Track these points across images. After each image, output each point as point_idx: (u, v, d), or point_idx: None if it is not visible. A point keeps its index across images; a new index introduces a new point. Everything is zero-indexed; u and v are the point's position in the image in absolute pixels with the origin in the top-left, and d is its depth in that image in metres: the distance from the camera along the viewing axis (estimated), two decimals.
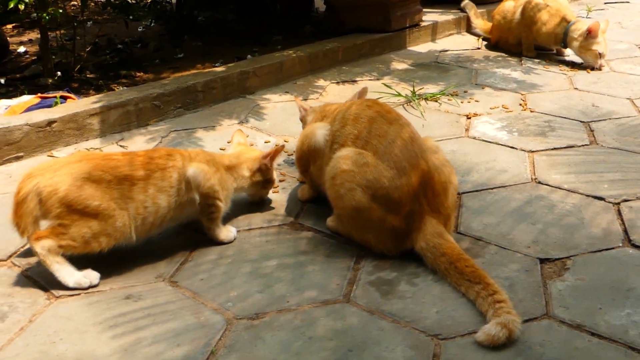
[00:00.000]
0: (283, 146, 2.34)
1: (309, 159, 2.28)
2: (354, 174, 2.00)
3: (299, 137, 2.36)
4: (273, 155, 2.28)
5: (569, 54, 4.26)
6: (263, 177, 2.30)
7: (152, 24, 4.99)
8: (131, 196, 1.94)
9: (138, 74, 3.86)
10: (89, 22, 5.02)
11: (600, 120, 3.15)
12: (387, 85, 3.60)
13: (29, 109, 3.00)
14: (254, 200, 2.40)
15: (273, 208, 2.39)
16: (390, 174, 1.98)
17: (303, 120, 2.49)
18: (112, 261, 1.97)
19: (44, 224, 1.91)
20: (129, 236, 1.95)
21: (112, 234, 1.91)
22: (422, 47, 4.61)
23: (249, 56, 4.11)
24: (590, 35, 3.93)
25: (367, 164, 2.00)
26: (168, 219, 2.04)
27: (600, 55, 3.99)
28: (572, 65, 4.13)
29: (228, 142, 2.85)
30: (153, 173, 1.99)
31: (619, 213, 2.29)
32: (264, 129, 3.11)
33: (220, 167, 2.17)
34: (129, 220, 1.93)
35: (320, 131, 2.22)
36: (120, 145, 2.91)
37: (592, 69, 4.03)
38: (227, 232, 2.16)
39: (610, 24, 5.11)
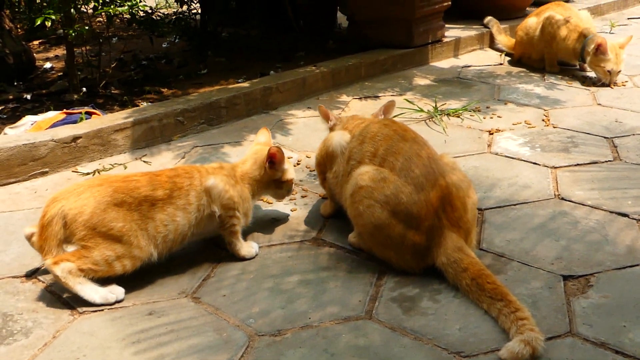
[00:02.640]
0: (278, 148, 2.25)
1: (326, 164, 2.31)
2: (372, 190, 2.01)
3: (318, 149, 2.38)
4: (270, 157, 2.23)
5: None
6: (270, 178, 2.27)
7: (177, 40, 5.05)
8: (151, 216, 1.96)
9: (162, 89, 3.90)
10: (114, 38, 5.10)
11: (623, 136, 3.13)
12: (409, 101, 3.60)
13: (55, 124, 3.04)
14: (280, 200, 2.42)
15: (295, 224, 2.40)
16: (409, 190, 1.98)
17: (331, 130, 2.48)
18: (134, 277, 1.98)
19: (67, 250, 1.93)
20: (151, 256, 1.97)
21: (137, 256, 1.93)
22: (445, 63, 4.61)
23: (272, 72, 4.14)
24: (599, 51, 3.89)
25: (385, 179, 2.01)
26: (189, 235, 2.06)
27: (610, 73, 3.94)
28: (596, 81, 4.10)
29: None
30: (172, 192, 2.01)
31: None
32: (286, 145, 3.12)
33: (237, 180, 2.19)
34: (149, 240, 1.95)
35: (337, 137, 2.25)
36: (144, 161, 2.94)
37: (604, 85, 3.99)
38: (248, 247, 2.17)
39: (633, 39, 5.09)
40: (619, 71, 4.00)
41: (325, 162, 2.31)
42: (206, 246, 2.22)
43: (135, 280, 1.99)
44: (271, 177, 2.27)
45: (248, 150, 2.37)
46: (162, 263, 2.04)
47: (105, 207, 1.89)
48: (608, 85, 4.00)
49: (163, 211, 1.98)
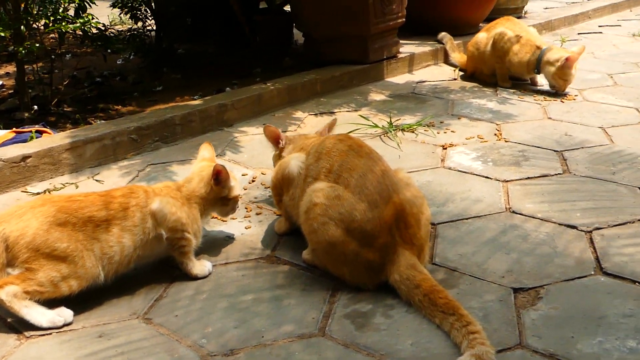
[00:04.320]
0: (223, 166, 2.22)
1: (283, 188, 2.31)
2: (326, 208, 2.01)
3: (274, 171, 2.38)
4: (214, 176, 2.21)
5: (543, 84, 4.33)
6: (216, 196, 2.24)
7: (132, 57, 5.01)
8: (96, 236, 1.93)
9: (116, 107, 3.87)
10: (67, 55, 5.04)
11: (573, 149, 3.20)
12: (364, 117, 3.63)
13: (4, 144, 2.99)
14: (226, 217, 2.40)
15: (250, 241, 2.39)
16: (363, 207, 1.99)
17: (281, 150, 2.49)
18: (84, 298, 1.95)
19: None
20: (97, 277, 1.94)
21: (82, 276, 1.90)
22: (400, 78, 4.66)
23: (228, 89, 4.13)
24: (566, 65, 4.01)
25: (340, 197, 2.02)
26: (135, 257, 2.03)
27: (568, 83, 4.12)
28: (546, 95, 4.19)
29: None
30: (117, 213, 1.98)
31: (591, 241, 2.32)
32: (241, 162, 3.12)
33: (185, 199, 2.16)
34: (95, 261, 1.92)
35: (295, 161, 2.26)
36: (97, 180, 2.90)
37: (557, 93, 4.14)
38: (201, 266, 2.16)
39: (583, 54, 5.22)
40: (572, 82, 4.15)
41: (282, 185, 2.30)
42: (159, 266, 2.20)
43: (85, 302, 1.96)
44: (218, 194, 2.25)
45: (193, 167, 2.33)
46: (113, 284, 2.01)
47: (48, 228, 1.86)
48: (563, 94, 4.12)
49: (108, 232, 1.95)
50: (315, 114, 3.83)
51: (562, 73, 4.06)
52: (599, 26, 6.76)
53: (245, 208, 2.64)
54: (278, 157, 2.48)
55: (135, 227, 2.00)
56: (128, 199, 2.03)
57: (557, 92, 4.15)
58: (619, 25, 6.80)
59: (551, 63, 4.08)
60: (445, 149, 3.24)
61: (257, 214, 2.60)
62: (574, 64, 4.02)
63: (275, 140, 2.50)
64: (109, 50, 4.02)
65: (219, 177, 2.23)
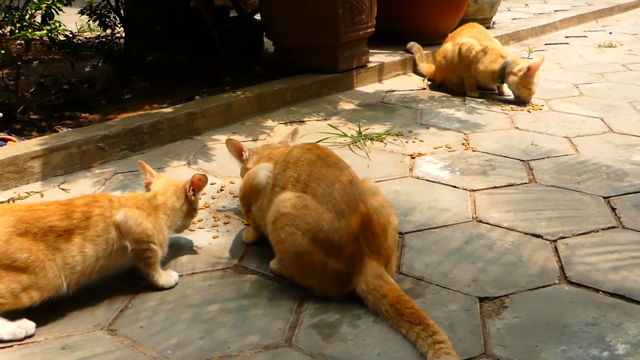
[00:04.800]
0: (204, 175, 2.27)
1: (251, 198, 2.30)
2: (293, 217, 2.01)
3: (243, 180, 2.37)
4: (195, 184, 2.26)
5: (510, 94, 4.38)
6: (189, 207, 2.28)
7: (100, 64, 4.96)
8: (58, 246, 1.90)
9: (84, 115, 3.82)
10: (34, 62, 4.97)
11: (539, 159, 3.24)
12: (333, 126, 3.64)
13: None
14: (179, 232, 2.37)
15: (217, 251, 2.38)
16: (330, 217, 1.99)
17: (246, 162, 2.50)
18: (47, 310, 1.92)
19: None
20: (60, 288, 1.91)
21: (44, 287, 1.87)
22: (370, 88, 4.69)
23: (197, 97, 4.11)
24: (528, 74, 4.07)
25: (307, 206, 2.01)
26: (98, 268, 2.00)
27: (532, 92, 4.20)
28: (514, 104, 4.24)
29: None
30: (80, 222, 1.96)
31: (556, 250, 2.34)
32: (210, 170, 3.10)
33: (152, 210, 2.15)
34: (58, 272, 1.90)
35: (263, 171, 2.25)
36: (62, 189, 2.87)
37: (523, 103, 4.21)
38: (167, 276, 2.14)
39: (549, 64, 5.31)
40: (536, 91, 4.22)
41: (251, 195, 2.29)
42: (124, 276, 2.17)
43: (48, 313, 1.93)
44: (191, 204, 2.26)
45: (160, 183, 2.31)
46: (77, 295, 1.99)
47: (7, 238, 1.82)
48: (528, 103, 4.20)
49: (70, 242, 1.93)
50: (285, 123, 3.82)
51: (525, 82, 4.13)
52: (566, 37, 6.87)
53: (214, 217, 2.63)
54: (244, 169, 2.48)
55: (98, 237, 1.98)
56: (91, 208, 2.00)
57: (523, 102, 4.21)
58: (585, 36, 6.92)
59: (514, 73, 4.15)
60: (414, 158, 3.26)
61: (225, 223, 2.59)
62: (535, 72, 4.10)
63: (238, 153, 2.52)
64: (76, 58, 3.97)
65: (195, 188, 2.27)
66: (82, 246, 1.94)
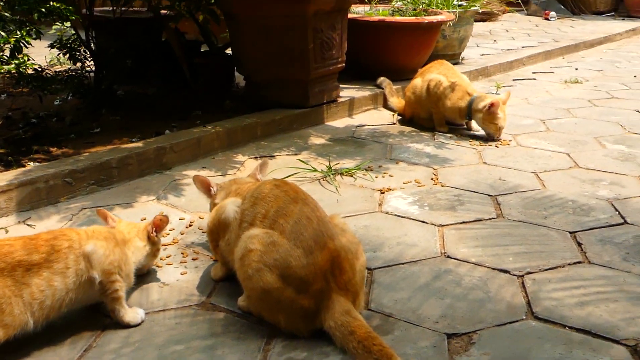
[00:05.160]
0: (165, 216, 2.34)
1: (219, 233, 2.30)
2: (261, 254, 2.01)
3: (210, 216, 2.37)
4: (156, 225, 2.31)
5: (478, 129, 4.44)
6: (152, 247, 2.32)
7: (70, 98, 4.94)
8: (26, 281, 1.88)
9: (52, 149, 3.79)
10: (2, 95, 4.94)
11: (506, 194, 3.28)
12: (303, 161, 3.65)
13: None
14: (142, 272, 2.37)
15: (185, 288, 2.36)
16: (298, 254, 1.99)
17: (213, 197, 2.50)
18: (8, 348, 1.88)
19: None
20: (26, 324, 1.88)
21: (9, 324, 1.84)
22: (340, 122, 4.72)
23: (167, 131, 4.10)
24: (491, 109, 4.15)
25: (275, 243, 2.02)
26: (68, 301, 1.98)
27: (500, 128, 4.24)
28: (482, 140, 4.30)
29: (142, 219, 2.83)
30: (49, 256, 1.94)
31: (523, 285, 2.37)
32: (179, 206, 3.09)
33: (119, 243, 2.16)
34: (24, 308, 1.87)
35: (231, 206, 2.25)
36: (28, 225, 2.83)
37: (492, 140, 4.26)
38: (133, 313, 2.12)
39: (517, 99, 5.41)
40: (504, 126, 4.27)
41: (219, 231, 2.30)
42: (89, 313, 2.15)
43: (8, 352, 1.89)
44: (154, 245, 2.32)
45: (122, 226, 2.33)
46: (40, 332, 1.96)
47: None
48: (497, 140, 4.25)
49: (39, 276, 1.90)
50: (256, 157, 3.83)
51: (490, 118, 4.20)
52: (533, 73, 7.00)
53: (182, 253, 2.61)
54: (212, 204, 2.48)
55: (67, 269, 1.96)
56: (59, 241, 1.99)
57: (492, 139, 4.26)
58: (552, 72, 7.06)
59: (479, 110, 4.22)
60: (383, 193, 3.28)
61: (194, 259, 2.58)
62: (497, 108, 4.15)
63: (206, 188, 2.53)
64: (45, 92, 3.95)
65: (161, 226, 2.32)
66: (51, 280, 1.92)
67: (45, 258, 1.93)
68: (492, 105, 4.14)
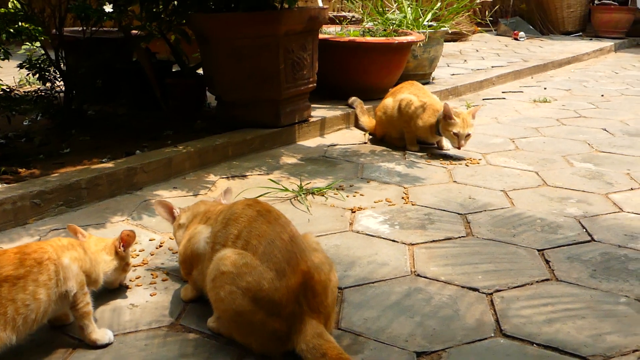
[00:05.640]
0: (132, 231, 2.37)
1: (192, 263, 2.30)
2: (233, 276, 2.01)
3: (182, 242, 2.37)
4: (123, 239, 2.34)
5: (449, 148, 4.50)
6: (120, 261, 2.36)
7: (39, 118, 4.91)
8: (12, 297, 1.88)
9: (20, 170, 3.76)
10: None
11: (476, 212, 3.32)
12: (274, 181, 3.67)
13: None
14: (112, 287, 2.40)
15: (154, 309, 2.35)
16: (270, 276, 2.00)
17: (178, 219, 2.50)
18: None
19: None
20: (8, 342, 1.88)
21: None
22: (312, 142, 4.75)
23: (138, 151, 4.09)
24: (445, 115, 4.21)
25: (247, 265, 2.02)
26: (50, 312, 2.01)
27: (457, 135, 4.25)
28: (453, 159, 4.35)
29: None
30: (31, 269, 1.95)
31: (492, 303, 2.40)
32: (149, 226, 3.08)
33: (88, 254, 2.19)
34: (5, 324, 1.86)
35: (201, 236, 2.25)
36: None
37: (462, 158, 4.32)
38: (102, 332, 2.12)
39: (487, 119, 5.49)
40: (468, 135, 4.27)
41: (192, 261, 2.30)
42: (56, 335, 2.13)
43: None
44: (122, 260, 2.34)
45: (91, 240, 2.35)
46: (4, 357, 1.94)
47: None
48: (457, 148, 4.30)
49: (24, 290, 1.91)
50: (227, 177, 3.84)
51: (446, 125, 4.25)
52: (503, 92, 7.11)
53: (151, 274, 2.61)
54: (178, 227, 2.48)
55: (50, 280, 1.98)
56: (40, 254, 2.00)
57: (458, 147, 4.30)
58: (521, 92, 7.17)
59: (441, 120, 4.29)
60: (354, 212, 3.31)
61: (164, 280, 2.57)
62: (450, 112, 4.19)
63: (169, 212, 2.54)
64: (14, 112, 3.93)
65: (128, 242, 2.34)
66: (35, 293, 1.93)
67: (29, 271, 1.94)
68: (444, 109, 4.20)
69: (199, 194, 3.53)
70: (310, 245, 2.19)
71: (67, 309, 2.08)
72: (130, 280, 2.53)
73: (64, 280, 2.01)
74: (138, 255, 2.77)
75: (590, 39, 12.38)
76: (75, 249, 2.12)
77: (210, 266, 2.11)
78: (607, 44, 11.42)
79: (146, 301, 2.41)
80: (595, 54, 10.52)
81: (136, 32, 5.01)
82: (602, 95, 7.01)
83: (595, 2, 13.32)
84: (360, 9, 7.03)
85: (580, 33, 13.21)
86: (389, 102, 4.62)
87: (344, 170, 4.06)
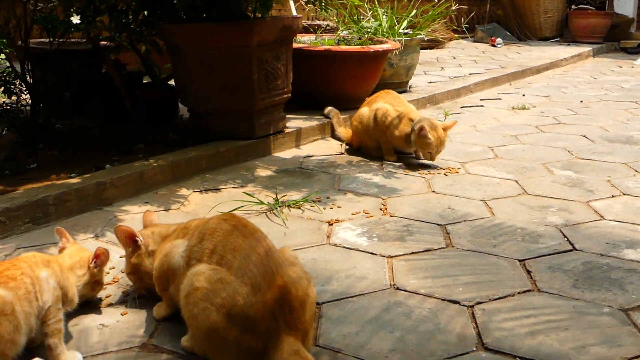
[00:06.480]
0: (107, 250, 2.38)
1: (168, 278, 2.27)
2: (207, 292, 1.99)
3: (157, 257, 2.34)
4: (97, 255, 2.35)
5: None
6: (90, 278, 2.35)
7: (4, 132, 4.85)
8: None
9: None
10: None
11: (455, 223, 3.33)
12: (249, 194, 3.64)
13: None
14: (80, 302, 2.35)
15: (126, 329, 2.32)
16: (245, 291, 1.98)
17: (141, 248, 2.47)
18: None
19: None
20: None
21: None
22: (287, 153, 4.74)
23: (108, 166, 4.05)
24: (421, 134, 4.22)
25: (222, 280, 2.00)
26: (34, 328, 2.02)
27: (430, 153, 4.31)
28: (431, 168, 4.37)
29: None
30: (7, 284, 1.96)
31: (473, 316, 2.40)
32: (119, 243, 3.04)
33: (63, 268, 2.20)
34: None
35: (178, 250, 2.23)
36: None
37: (440, 167, 4.36)
38: (72, 355, 2.08)
39: (465, 127, 5.52)
40: (440, 150, 4.34)
41: (168, 276, 2.27)
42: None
43: None
44: (93, 277, 2.35)
45: (72, 249, 2.38)
46: None
47: None
48: (431, 159, 4.35)
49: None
50: (201, 191, 3.82)
51: (420, 142, 4.27)
52: (481, 99, 7.16)
53: (122, 293, 2.57)
54: (145, 255, 2.44)
55: (29, 293, 1.99)
56: (14, 270, 2.00)
57: (436, 163, 4.35)
58: (500, 99, 7.23)
59: (414, 131, 4.30)
60: (331, 224, 3.30)
61: (135, 299, 2.54)
62: (428, 133, 4.19)
63: (130, 239, 2.46)
64: None
65: (102, 260, 2.36)
66: (15, 310, 1.94)
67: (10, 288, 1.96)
68: (420, 130, 4.21)
69: (170, 209, 3.50)
70: (288, 259, 2.18)
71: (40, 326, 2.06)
72: (100, 299, 2.49)
73: (40, 293, 2.02)
74: (108, 273, 2.73)
75: (568, 44, 12.54)
76: (51, 265, 2.12)
77: (184, 282, 2.09)
78: (585, 49, 11.58)
79: (117, 321, 2.37)
80: (573, 60, 10.65)
81: (105, 43, 4.97)
82: (581, 102, 7.09)
83: (572, 7, 13.51)
84: (334, 18, 7.04)
85: (558, 38, 13.38)
86: (365, 111, 4.63)
87: (320, 181, 4.05)
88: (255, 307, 1.97)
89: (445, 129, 4.32)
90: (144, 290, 2.49)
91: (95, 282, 2.38)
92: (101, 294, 2.52)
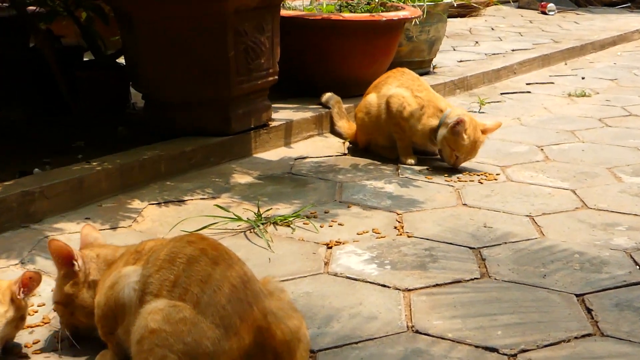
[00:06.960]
0: (37, 273, 2.38)
1: (117, 318, 2.25)
2: (166, 336, 1.99)
3: (101, 289, 2.33)
4: (24, 283, 2.34)
5: None
6: (17, 313, 2.34)
7: None
8: None
9: None
10: None
11: (493, 246, 3.35)
12: (222, 208, 3.65)
13: None
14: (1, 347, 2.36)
15: None
16: (216, 334, 1.99)
17: (81, 274, 2.46)
18: None
19: None
20: None
21: None
22: (273, 154, 4.76)
23: (37, 170, 4.06)
24: (457, 127, 4.23)
25: (185, 320, 2.00)
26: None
27: (457, 158, 4.34)
28: (461, 173, 4.38)
29: None
30: None
31: None
32: (51, 272, 3.03)
33: None
34: None
35: (129, 280, 2.21)
36: None
37: (472, 172, 4.38)
38: None
39: (507, 120, 5.53)
40: (470, 158, 4.39)
41: (116, 316, 2.25)
42: None
43: None
44: (19, 311, 2.36)
45: None
46: None
47: None
48: (453, 166, 4.38)
49: None
50: (159, 203, 3.82)
51: (452, 139, 4.28)
52: (527, 84, 7.18)
53: (55, 337, 2.57)
54: (84, 285, 2.44)
55: None
56: None
57: (469, 167, 4.37)
58: (552, 83, 7.25)
59: (446, 124, 4.31)
60: (331, 248, 3.31)
61: (72, 344, 2.53)
62: (465, 130, 4.22)
63: (66, 260, 2.45)
64: None
65: (31, 286, 2.36)
66: None
67: None
68: (458, 122, 4.21)
69: (119, 226, 3.51)
70: (272, 293, 2.19)
71: None
72: (26, 347, 2.49)
73: None
74: (37, 312, 2.73)
75: None
76: None
77: (137, 323, 2.08)
78: None
79: None
80: None
81: (34, 8, 4.98)
82: None
83: None
84: None
85: (629, 3, 13.35)
86: (373, 99, 4.63)
87: (316, 191, 4.07)
88: (228, 354, 1.98)
89: (485, 132, 4.32)
90: (70, 330, 2.47)
91: (19, 318, 2.37)
92: (28, 339, 2.52)
